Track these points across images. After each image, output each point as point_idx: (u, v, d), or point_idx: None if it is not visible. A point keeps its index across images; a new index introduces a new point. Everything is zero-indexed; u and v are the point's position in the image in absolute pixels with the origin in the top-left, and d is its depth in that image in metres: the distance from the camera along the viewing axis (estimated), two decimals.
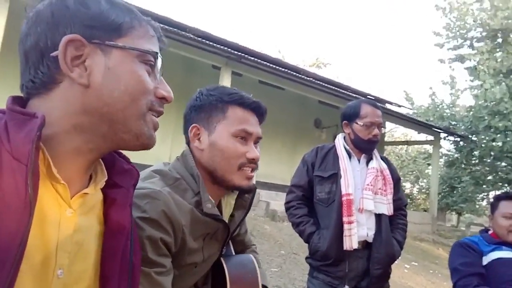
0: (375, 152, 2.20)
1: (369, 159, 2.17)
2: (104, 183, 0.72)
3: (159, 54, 0.70)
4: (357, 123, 2.12)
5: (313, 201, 2.15)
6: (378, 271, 2.04)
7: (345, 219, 2.01)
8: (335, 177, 2.07)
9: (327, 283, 2.02)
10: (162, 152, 8.51)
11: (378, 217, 2.09)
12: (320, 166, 2.14)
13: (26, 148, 0.55)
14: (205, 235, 1.07)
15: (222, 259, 1.17)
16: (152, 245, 0.92)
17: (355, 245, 1.99)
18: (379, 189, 2.11)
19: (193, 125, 1.13)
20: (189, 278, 1.10)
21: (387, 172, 2.18)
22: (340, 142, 2.18)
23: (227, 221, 1.14)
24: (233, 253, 1.30)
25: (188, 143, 1.16)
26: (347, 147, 2.16)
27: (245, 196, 1.19)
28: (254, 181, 1.12)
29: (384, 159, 2.27)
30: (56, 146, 0.63)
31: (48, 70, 0.64)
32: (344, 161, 2.10)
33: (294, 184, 2.19)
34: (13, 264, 0.52)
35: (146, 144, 0.69)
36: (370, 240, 2.07)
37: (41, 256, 0.59)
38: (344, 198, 2.02)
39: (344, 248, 1.99)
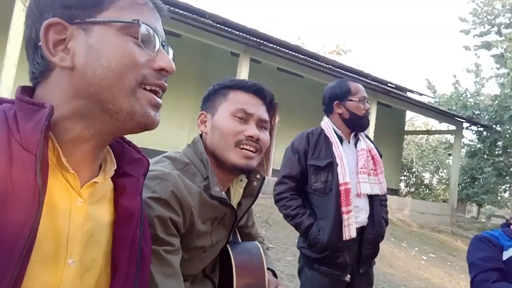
0: (361, 132, 2.15)
1: (356, 140, 2.12)
2: (114, 172, 0.72)
3: (141, 22, 0.64)
4: (351, 100, 2.06)
5: (306, 191, 2.07)
6: (369, 251, 2.04)
7: (343, 209, 1.95)
8: (331, 165, 2.00)
9: (329, 275, 1.97)
10: (180, 139, 8.58)
11: (371, 198, 2.06)
12: (313, 154, 2.04)
13: (35, 138, 0.55)
14: (213, 219, 1.09)
15: (228, 246, 1.19)
16: (161, 224, 0.94)
17: (353, 234, 1.94)
18: (371, 169, 2.08)
19: (201, 112, 1.19)
20: (198, 263, 1.11)
21: (375, 151, 2.13)
22: (329, 126, 2.08)
23: (235, 207, 1.16)
24: (240, 240, 1.32)
25: (200, 133, 1.19)
26: (338, 131, 2.08)
27: (254, 185, 1.20)
28: (254, 163, 1.11)
29: (367, 137, 2.20)
30: (61, 135, 0.63)
31: (42, 59, 0.64)
32: (338, 148, 2.02)
33: (285, 174, 2.07)
34: (22, 254, 0.52)
35: (143, 123, 0.65)
36: (365, 224, 2.04)
37: (52, 245, 0.60)
38: (342, 188, 1.96)
39: (344, 239, 1.94)
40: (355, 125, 2.09)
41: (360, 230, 2.02)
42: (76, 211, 0.63)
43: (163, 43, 0.70)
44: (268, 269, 1.25)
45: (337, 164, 1.98)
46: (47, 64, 0.64)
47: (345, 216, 1.94)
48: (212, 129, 1.13)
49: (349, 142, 2.11)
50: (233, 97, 1.13)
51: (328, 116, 2.15)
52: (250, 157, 1.10)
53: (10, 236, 0.52)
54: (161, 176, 0.98)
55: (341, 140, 2.07)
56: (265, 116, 1.14)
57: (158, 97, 0.68)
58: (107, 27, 0.63)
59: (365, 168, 2.05)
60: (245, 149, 1.09)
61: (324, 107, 2.17)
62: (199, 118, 1.18)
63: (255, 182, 1.20)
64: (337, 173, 1.97)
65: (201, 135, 1.18)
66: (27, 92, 0.65)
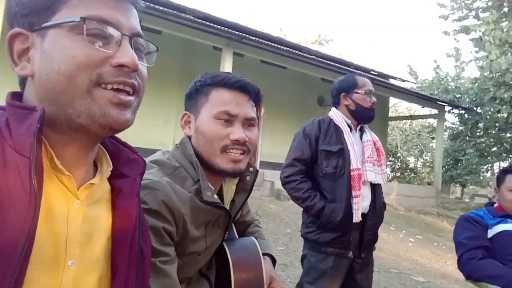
0: (365, 125, 2.25)
1: (362, 132, 2.22)
2: (110, 173, 0.72)
3: (91, 18, 0.61)
4: (357, 93, 2.16)
5: (315, 175, 2.15)
6: (370, 236, 2.15)
7: (354, 193, 2.05)
8: (342, 151, 2.09)
9: (336, 254, 2.06)
10: (166, 136, 8.54)
11: (373, 187, 2.17)
12: (325, 140, 2.12)
13: (28, 141, 0.55)
14: (206, 222, 1.06)
15: (224, 244, 1.17)
16: (155, 235, 0.92)
17: (360, 218, 2.06)
18: (375, 160, 2.18)
19: (184, 112, 1.13)
20: (193, 266, 1.10)
21: (379, 143, 2.26)
22: (338, 115, 2.18)
23: (228, 207, 1.14)
24: (236, 235, 1.30)
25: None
26: (347, 120, 2.17)
27: (247, 180, 1.17)
28: (243, 165, 1.07)
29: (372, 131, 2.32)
30: (48, 138, 0.63)
31: None
32: (349, 135, 2.12)
33: (296, 157, 2.13)
34: (20, 258, 0.52)
35: (106, 124, 0.61)
36: (366, 211, 2.13)
37: (51, 248, 0.59)
38: (354, 173, 2.06)
39: (354, 221, 2.05)
40: (361, 116, 2.19)
41: (362, 217, 2.11)
42: (74, 213, 0.63)
43: (134, 37, 0.66)
44: (265, 254, 1.25)
45: (349, 150, 2.08)
46: (16, 73, 0.65)
47: (355, 200, 2.05)
48: (196, 132, 1.08)
49: (355, 133, 2.20)
50: (215, 96, 1.07)
51: (336, 108, 2.24)
52: (238, 160, 1.05)
53: (8, 240, 0.52)
54: (151, 186, 0.95)
55: (350, 129, 2.16)
56: (251, 113, 1.08)
57: (127, 94, 0.64)
58: (59, 30, 0.61)
59: (370, 157, 2.14)
60: (232, 153, 1.04)
61: (332, 99, 2.27)
62: (182, 119, 1.13)
63: (248, 176, 1.16)
64: (350, 159, 2.07)
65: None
66: (17, 97, 0.65)
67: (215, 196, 1.06)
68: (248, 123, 1.08)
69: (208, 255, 1.15)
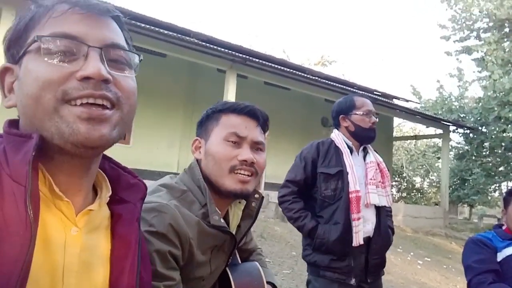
0: (369, 146, 2.23)
1: (365, 153, 2.20)
2: (109, 198, 0.70)
3: (48, 35, 0.59)
4: (356, 114, 2.15)
5: (312, 197, 2.14)
6: (376, 261, 2.09)
7: (354, 216, 2.01)
8: (341, 173, 2.07)
9: (335, 280, 2.02)
10: (170, 158, 8.56)
11: (378, 210, 2.13)
12: (324, 162, 2.12)
13: (24, 169, 0.55)
14: (212, 247, 1.07)
15: (227, 269, 1.17)
16: (161, 259, 0.92)
17: (361, 241, 2.01)
18: (379, 182, 2.15)
19: (195, 138, 1.16)
20: None
21: (383, 165, 2.22)
22: (339, 137, 2.17)
23: (234, 232, 1.14)
24: (239, 261, 1.30)
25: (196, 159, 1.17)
26: (348, 142, 2.16)
27: (252, 206, 1.18)
28: (250, 187, 1.09)
29: (376, 152, 2.29)
30: (45, 165, 0.62)
31: None
32: (348, 157, 2.10)
33: (289, 179, 2.17)
34: None
35: (78, 142, 0.58)
36: (371, 234, 2.09)
37: (47, 278, 0.58)
38: (353, 195, 2.03)
39: (354, 245, 2.00)
40: (361, 137, 2.17)
41: (367, 240, 2.07)
42: (72, 241, 0.62)
43: (105, 48, 0.62)
44: (268, 282, 1.25)
45: (347, 173, 2.06)
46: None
47: (355, 223, 2.01)
48: (206, 155, 1.10)
49: (358, 155, 2.18)
50: (225, 121, 1.11)
51: (337, 130, 2.24)
52: (246, 181, 1.07)
53: (3, 271, 0.50)
54: (158, 209, 0.96)
55: (351, 151, 2.15)
56: (260, 137, 1.11)
57: (103, 108, 0.60)
58: (28, 55, 0.61)
59: (374, 179, 2.11)
60: (240, 173, 1.06)
61: (333, 121, 2.27)
62: (193, 145, 1.16)
63: (253, 203, 1.17)
64: (348, 181, 2.04)
65: (197, 159, 1.16)
66: (15, 125, 0.64)
67: (222, 221, 1.06)
68: (256, 146, 1.11)
69: (212, 280, 1.14)
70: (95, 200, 0.69)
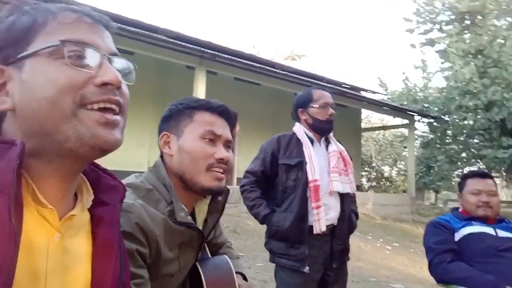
0: (331, 136, 2.31)
1: (327, 143, 2.28)
2: (91, 202, 0.70)
3: (68, 40, 0.61)
4: (312, 107, 2.22)
5: (275, 188, 2.21)
6: (340, 246, 2.17)
7: (313, 204, 2.07)
8: (301, 164, 2.14)
9: (289, 267, 2.08)
10: (140, 157, 8.44)
11: (342, 197, 2.18)
12: (285, 154, 2.19)
13: (7, 178, 0.53)
14: (180, 244, 1.08)
15: (197, 264, 1.18)
16: (129, 258, 0.90)
17: (324, 228, 2.06)
18: (342, 169, 2.22)
19: (163, 133, 1.15)
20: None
21: (345, 153, 2.29)
22: (300, 130, 2.24)
23: (201, 228, 1.15)
24: (209, 255, 1.31)
25: (161, 154, 1.16)
26: (309, 133, 2.23)
27: (219, 200, 1.19)
28: (223, 183, 1.11)
29: (339, 142, 2.37)
30: (28, 172, 0.61)
31: None
32: (308, 148, 2.17)
33: (248, 170, 2.28)
34: None
35: (97, 145, 0.60)
36: (336, 222, 2.16)
37: (30, 284, 0.58)
38: (311, 184, 2.09)
39: (314, 232, 2.06)
40: (319, 129, 2.23)
41: (332, 228, 2.14)
42: (54, 247, 0.61)
43: (111, 56, 0.66)
44: (237, 273, 1.27)
45: (306, 163, 2.12)
46: None
47: (314, 211, 2.07)
48: (180, 152, 1.10)
49: (320, 145, 2.25)
50: (199, 118, 1.11)
51: (299, 123, 2.30)
52: (221, 178, 1.10)
53: None
54: (125, 208, 0.94)
55: (312, 142, 2.21)
56: (230, 136, 1.14)
57: (114, 113, 0.63)
58: (36, 58, 0.60)
59: (336, 167, 2.18)
60: (215, 171, 1.08)
61: (294, 115, 2.33)
62: (161, 139, 1.14)
63: (219, 197, 1.19)
64: (306, 171, 2.10)
65: (161, 157, 1.16)
66: None
67: (189, 217, 1.07)
68: (227, 144, 1.14)
69: (182, 276, 1.15)
70: (75, 203, 0.68)
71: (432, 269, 2.24)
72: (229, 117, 1.16)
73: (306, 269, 2.05)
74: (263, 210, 2.17)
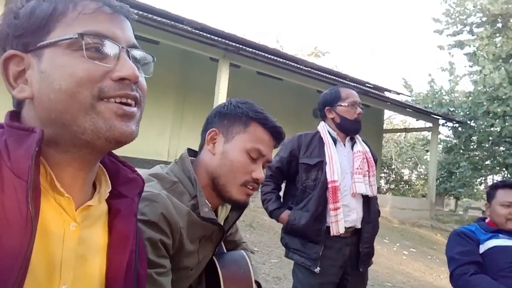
0: (357, 136, 2.26)
1: (353, 143, 2.23)
2: (108, 194, 0.70)
3: (87, 33, 0.60)
4: (341, 105, 2.18)
5: (294, 186, 2.20)
6: (368, 249, 2.14)
7: (331, 205, 2.04)
8: (321, 164, 2.10)
9: (300, 264, 2.06)
10: (161, 146, 8.53)
11: (366, 198, 2.15)
12: (305, 153, 2.16)
13: (26, 164, 0.54)
14: (201, 237, 1.09)
15: (214, 258, 1.18)
16: (152, 247, 0.94)
17: (342, 230, 2.03)
18: (366, 171, 2.18)
19: (213, 128, 1.14)
20: (185, 281, 1.12)
21: (369, 154, 2.24)
22: (324, 129, 2.20)
23: (222, 223, 1.16)
24: (224, 250, 1.32)
25: (201, 145, 1.16)
26: (332, 133, 2.19)
27: None
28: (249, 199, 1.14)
29: (365, 142, 2.32)
30: (47, 160, 0.61)
31: None
32: (329, 148, 2.12)
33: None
34: (15, 283, 0.51)
35: (112, 138, 0.61)
36: (358, 225, 2.12)
37: (45, 272, 0.58)
38: (330, 185, 2.06)
39: (331, 234, 2.04)
40: (346, 128, 2.19)
41: (353, 231, 2.10)
42: (70, 236, 0.62)
43: (130, 49, 0.65)
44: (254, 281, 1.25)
45: (326, 163, 2.08)
46: (13, 96, 0.63)
47: (332, 213, 2.03)
48: (223, 156, 1.10)
49: (344, 145, 2.20)
50: (253, 131, 1.11)
51: (324, 121, 2.26)
52: (250, 195, 1.11)
53: (3, 265, 0.51)
54: (151, 198, 0.97)
55: (335, 142, 2.17)
56: (272, 158, 1.15)
57: (130, 106, 0.63)
58: (55, 48, 0.60)
59: (360, 169, 2.14)
60: (248, 188, 1.10)
61: (319, 113, 2.29)
62: (209, 134, 1.13)
63: (240, 208, 1.19)
64: (326, 172, 2.07)
65: (201, 147, 1.16)
66: (16, 117, 0.64)
67: (212, 213, 1.08)
68: (266, 164, 1.15)
69: (199, 269, 1.16)
70: (93, 194, 0.69)
71: (453, 280, 2.18)
72: (279, 139, 1.16)
73: (317, 269, 2.03)
74: (271, 205, 2.19)
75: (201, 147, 1.16)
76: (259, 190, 2.19)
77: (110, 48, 0.62)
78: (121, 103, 0.62)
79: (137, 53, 0.67)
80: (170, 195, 1.02)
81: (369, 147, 2.29)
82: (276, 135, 1.14)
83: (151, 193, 0.98)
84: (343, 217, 2.05)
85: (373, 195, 2.20)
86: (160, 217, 0.96)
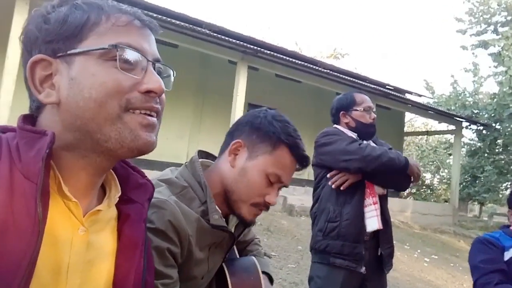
0: (375, 139, 2.26)
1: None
2: (118, 199, 0.70)
3: (121, 45, 0.62)
4: (356, 110, 2.19)
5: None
6: (389, 250, 2.12)
7: (368, 200, 2.05)
8: None
9: (344, 267, 2.00)
10: (180, 149, 8.60)
11: (380, 198, 2.15)
12: None
13: (36, 166, 0.55)
14: (211, 244, 1.07)
15: (224, 265, 1.16)
16: (159, 256, 0.91)
17: (380, 225, 2.04)
18: None
19: (239, 140, 1.10)
20: None
21: None
22: (346, 130, 2.20)
23: (233, 231, 1.14)
24: (236, 255, 1.29)
25: (223, 149, 1.14)
26: (353, 135, 2.19)
27: None
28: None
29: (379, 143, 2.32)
30: (59, 164, 0.62)
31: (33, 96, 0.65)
32: None
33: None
34: (20, 285, 0.51)
35: (135, 148, 0.63)
36: (380, 225, 2.10)
37: (51, 276, 0.58)
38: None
39: (370, 230, 2.03)
40: (362, 132, 2.20)
41: (374, 233, 2.09)
42: (78, 240, 0.62)
43: (155, 62, 0.67)
44: (263, 272, 1.24)
45: None
46: (39, 101, 0.64)
47: (372, 207, 2.05)
48: (242, 172, 1.08)
49: None
50: (279, 155, 1.08)
51: (338, 125, 2.26)
52: (257, 215, 1.11)
53: (9, 267, 0.51)
54: (158, 205, 0.94)
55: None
56: (289, 184, 1.13)
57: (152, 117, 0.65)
58: (87, 57, 0.61)
59: None
60: (258, 209, 1.09)
61: (332, 118, 2.30)
62: (233, 145, 1.10)
63: (244, 227, 1.17)
64: None
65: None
66: (29, 120, 0.64)
67: (222, 220, 1.06)
68: (282, 188, 1.12)
69: (210, 277, 1.14)
70: (103, 199, 0.69)
71: None
72: (303, 166, 1.13)
73: (363, 269, 2.00)
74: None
75: (222, 150, 1.14)
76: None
77: (138, 61, 0.64)
78: (145, 114, 0.64)
79: (160, 67, 0.69)
80: (179, 201, 0.99)
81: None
82: (303, 163, 1.12)
83: (158, 200, 0.95)
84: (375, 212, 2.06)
85: (384, 193, 2.20)
86: (167, 224, 0.93)
